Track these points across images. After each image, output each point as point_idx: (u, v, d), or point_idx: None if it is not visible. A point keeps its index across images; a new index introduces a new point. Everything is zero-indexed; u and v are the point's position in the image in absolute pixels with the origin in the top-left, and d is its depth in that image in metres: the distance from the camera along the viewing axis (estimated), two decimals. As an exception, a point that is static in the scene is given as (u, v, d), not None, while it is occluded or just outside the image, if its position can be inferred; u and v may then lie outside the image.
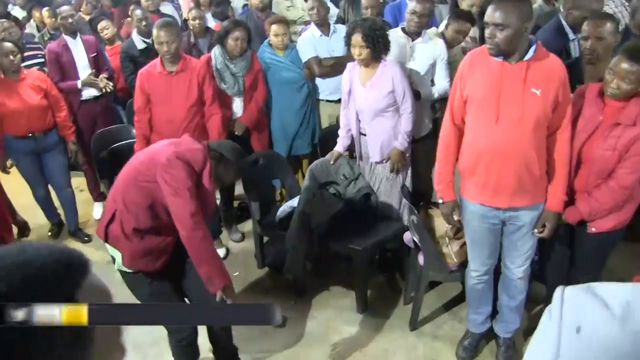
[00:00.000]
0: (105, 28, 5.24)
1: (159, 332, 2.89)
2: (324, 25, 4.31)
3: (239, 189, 4.25)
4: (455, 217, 2.79)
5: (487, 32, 2.36)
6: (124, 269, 2.53)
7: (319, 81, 4.34)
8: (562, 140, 2.50)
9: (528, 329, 3.14)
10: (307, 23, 5.92)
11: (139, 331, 2.96)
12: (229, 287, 2.42)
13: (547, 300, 2.87)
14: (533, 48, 2.38)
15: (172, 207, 2.34)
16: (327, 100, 4.34)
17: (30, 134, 4.16)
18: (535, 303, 3.29)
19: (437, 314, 3.41)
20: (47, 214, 4.64)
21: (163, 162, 2.35)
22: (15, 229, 3.26)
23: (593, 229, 2.68)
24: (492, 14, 2.32)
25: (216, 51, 3.95)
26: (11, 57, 4.01)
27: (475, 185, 2.60)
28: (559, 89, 2.39)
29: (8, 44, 4.06)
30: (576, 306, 0.86)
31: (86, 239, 4.55)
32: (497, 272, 2.93)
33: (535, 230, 2.62)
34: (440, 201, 2.77)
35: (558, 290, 0.89)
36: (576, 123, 2.57)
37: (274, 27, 4.13)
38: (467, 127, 2.58)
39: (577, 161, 2.61)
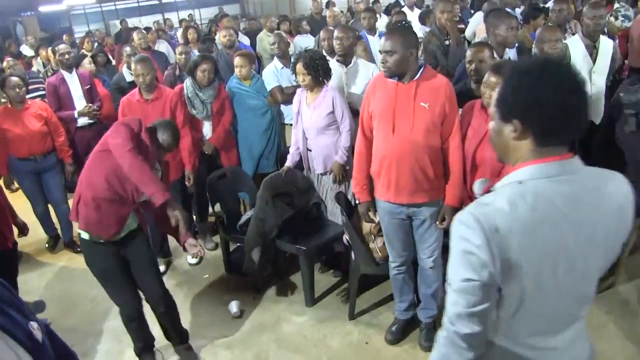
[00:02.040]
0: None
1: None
2: (285, 57, 4.89)
3: (216, 207, 4.80)
4: (372, 215, 3.28)
5: (380, 58, 2.90)
6: (83, 234, 3.08)
7: (284, 108, 4.90)
8: (453, 146, 2.99)
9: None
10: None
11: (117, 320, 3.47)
12: (170, 201, 2.94)
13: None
14: (421, 69, 2.91)
15: (114, 150, 2.87)
16: (291, 124, 4.87)
17: (31, 156, 4.79)
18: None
19: (374, 307, 3.86)
20: (46, 228, 5.20)
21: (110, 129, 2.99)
22: (15, 230, 3.85)
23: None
24: (384, 43, 2.86)
25: (187, 82, 4.54)
26: (17, 89, 4.67)
27: (382, 185, 3.09)
28: (445, 102, 2.90)
29: (15, 78, 4.71)
30: (485, 219, 1.33)
31: (78, 249, 5.08)
32: (417, 264, 3.38)
33: (437, 223, 3.09)
34: (357, 202, 3.27)
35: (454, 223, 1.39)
36: (468, 132, 3.07)
37: (236, 60, 4.71)
38: (374, 138, 3.09)
39: (473, 165, 3.09)
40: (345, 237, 3.73)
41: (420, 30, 6.29)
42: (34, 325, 1.41)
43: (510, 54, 4.59)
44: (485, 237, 1.32)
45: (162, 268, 4.52)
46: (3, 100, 4.95)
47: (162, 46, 7.83)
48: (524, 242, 1.33)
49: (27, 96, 4.94)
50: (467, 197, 3.12)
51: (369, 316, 3.78)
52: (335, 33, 4.20)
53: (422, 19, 6.70)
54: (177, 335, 3.48)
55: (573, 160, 1.42)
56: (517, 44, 4.80)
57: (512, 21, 3.93)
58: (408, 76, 2.90)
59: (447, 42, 4.72)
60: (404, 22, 5.39)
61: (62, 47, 5.42)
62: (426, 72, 2.92)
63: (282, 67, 4.83)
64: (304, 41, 7.18)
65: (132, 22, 14.48)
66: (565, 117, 1.35)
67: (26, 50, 8.98)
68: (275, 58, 4.98)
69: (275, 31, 5.82)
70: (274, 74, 4.81)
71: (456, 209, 3.07)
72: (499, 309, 1.43)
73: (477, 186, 1.71)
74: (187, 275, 4.56)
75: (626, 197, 1.46)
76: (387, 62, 2.85)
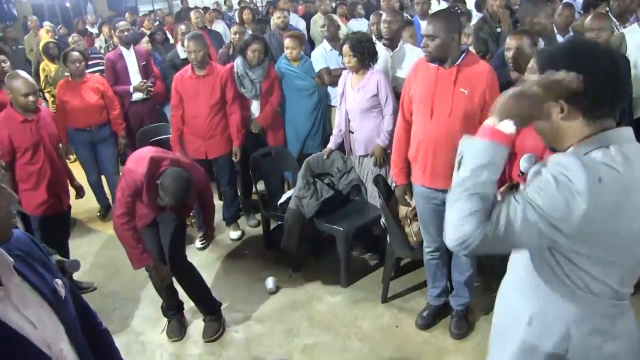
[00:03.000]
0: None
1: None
2: (334, 40, 4.90)
3: (261, 185, 4.91)
4: (408, 199, 3.29)
5: (422, 42, 2.88)
6: None
7: (330, 90, 4.93)
8: (492, 134, 2.95)
9: (478, 303, 3.55)
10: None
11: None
12: (156, 265, 3.29)
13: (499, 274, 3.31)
14: (463, 55, 2.87)
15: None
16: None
17: (87, 127, 5.03)
18: (486, 281, 3.71)
19: (407, 291, 3.87)
20: (98, 197, 5.44)
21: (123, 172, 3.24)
22: (72, 192, 4.08)
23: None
24: (425, 27, 2.85)
25: (238, 61, 4.63)
26: (77, 63, 4.90)
27: (418, 170, 3.09)
28: (485, 89, 2.86)
29: (75, 53, 4.94)
30: (591, 167, 1.31)
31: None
32: (452, 252, 3.37)
33: (472, 211, 3.07)
34: (394, 185, 3.28)
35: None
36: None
37: (286, 41, 4.77)
38: (413, 122, 3.09)
39: (512, 153, 3.04)
40: (382, 220, 3.75)
41: (476, 17, 6.17)
42: (58, 282, 1.51)
43: (565, 43, 4.47)
44: (589, 185, 1.30)
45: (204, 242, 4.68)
46: (66, 74, 5.20)
47: (219, 26, 7.96)
48: (620, 200, 1.34)
49: (87, 71, 5.17)
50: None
51: (401, 300, 3.80)
52: (383, 17, 4.20)
53: (478, 6, 6.58)
54: (203, 307, 3.62)
55: (625, 128, 1.45)
56: (572, 34, 4.67)
57: (549, 9, 3.84)
58: (449, 61, 2.88)
59: (498, 30, 4.62)
60: (456, 8, 5.31)
61: (121, 24, 5.63)
62: (468, 57, 2.89)
63: (331, 49, 4.86)
64: (358, 25, 7.16)
65: (194, 2, 14.73)
66: (607, 85, 1.39)
67: (90, 28, 9.35)
68: (324, 40, 5.01)
69: (326, 14, 5.81)
70: (323, 56, 4.85)
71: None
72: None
73: (526, 160, 1.74)
74: (228, 250, 4.68)
75: None
76: (429, 46, 2.84)
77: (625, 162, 1.35)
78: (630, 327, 1.56)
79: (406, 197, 3.29)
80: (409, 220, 3.54)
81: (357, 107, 3.93)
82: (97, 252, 4.86)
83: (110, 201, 5.47)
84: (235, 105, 4.52)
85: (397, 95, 3.96)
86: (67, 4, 21.12)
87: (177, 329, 3.62)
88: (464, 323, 3.42)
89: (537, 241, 1.39)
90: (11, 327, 1.30)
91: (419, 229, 3.45)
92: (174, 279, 3.50)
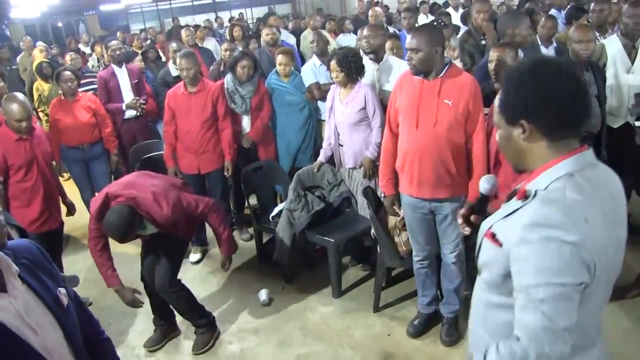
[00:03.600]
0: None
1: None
2: (323, 55, 5.00)
3: (253, 199, 4.97)
4: (396, 209, 3.36)
5: (407, 55, 2.97)
6: None
7: (320, 104, 5.02)
8: (477, 142, 3.04)
9: (468, 310, 3.59)
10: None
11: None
12: (118, 289, 3.36)
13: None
14: (447, 67, 2.96)
15: None
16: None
17: (80, 145, 5.09)
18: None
19: (399, 300, 3.92)
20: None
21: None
22: (64, 210, 4.14)
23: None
24: (409, 41, 2.94)
25: (228, 77, 4.72)
26: (69, 83, 4.99)
27: (405, 180, 3.17)
28: (469, 100, 2.95)
29: (68, 72, 5.03)
30: (573, 213, 1.29)
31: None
32: (441, 260, 3.44)
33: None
34: (382, 196, 3.35)
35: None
36: (493, 129, 3.10)
37: (279, 57, 4.86)
38: (399, 133, 3.17)
39: (497, 161, 3.12)
40: (373, 230, 3.81)
41: (462, 30, 6.30)
42: (61, 291, 1.57)
43: (549, 53, 4.59)
44: (580, 230, 1.28)
45: (198, 256, 4.73)
46: (59, 92, 5.28)
47: (210, 43, 8.08)
48: (604, 228, 1.33)
49: (80, 89, 5.25)
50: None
51: (392, 309, 3.85)
52: (364, 32, 4.29)
53: (464, 19, 6.70)
54: (191, 321, 3.68)
55: (591, 151, 1.44)
56: (555, 45, 4.78)
57: (528, 21, 4.04)
58: (433, 73, 2.96)
59: (483, 42, 4.73)
60: (440, 21, 5.43)
61: (113, 43, 5.73)
62: (451, 69, 2.98)
63: (321, 65, 4.95)
64: (347, 40, 7.28)
65: (185, 20, 14.93)
66: (569, 103, 1.37)
67: (84, 47, 9.44)
68: (314, 55, 5.11)
69: (315, 30, 5.93)
70: (312, 71, 4.94)
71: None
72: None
73: (486, 181, 1.67)
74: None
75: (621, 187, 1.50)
76: (413, 59, 2.92)
77: (591, 189, 1.36)
78: None
79: (394, 207, 3.37)
80: (398, 230, 3.61)
81: (345, 121, 4.01)
82: (91, 268, 4.84)
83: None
84: (227, 121, 4.60)
85: (384, 108, 4.05)
86: (59, 24, 21.26)
87: (155, 339, 3.71)
88: (454, 330, 3.48)
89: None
90: (14, 332, 1.37)
91: (408, 238, 3.52)
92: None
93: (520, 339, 1.30)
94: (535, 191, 1.39)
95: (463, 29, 6.40)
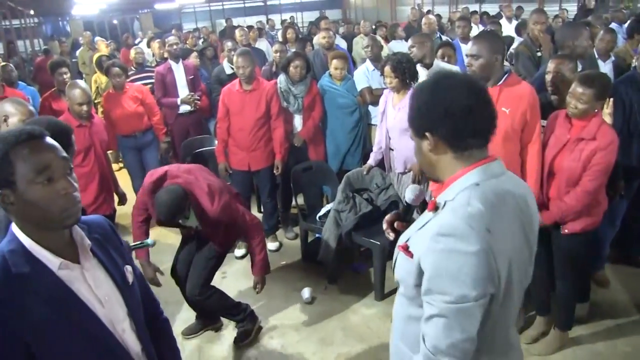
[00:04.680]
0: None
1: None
2: (377, 60, 5.03)
3: (299, 199, 5.04)
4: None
5: (467, 61, 2.98)
6: None
7: (371, 108, 5.06)
8: (532, 152, 3.03)
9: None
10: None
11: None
12: (143, 264, 3.45)
13: (529, 297, 3.32)
14: (506, 75, 2.96)
15: None
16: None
17: (132, 134, 5.34)
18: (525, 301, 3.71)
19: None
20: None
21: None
22: (116, 198, 4.33)
23: (566, 230, 3.11)
24: (470, 47, 2.95)
25: (281, 77, 4.81)
26: (117, 78, 5.27)
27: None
28: (526, 110, 2.94)
29: (116, 68, 5.31)
30: (475, 223, 1.31)
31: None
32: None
33: (509, 228, 3.12)
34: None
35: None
36: (549, 141, 3.08)
37: (334, 62, 4.90)
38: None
39: (551, 172, 3.10)
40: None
41: (516, 41, 6.24)
42: (128, 268, 1.65)
43: (606, 68, 4.51)
44: (481, 241, 1.30)
45: (242, 251, 4.80)
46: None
47: (262, 44, 8.21)
48: (507, 238, 1.36)
49: (139, 83, 5.46)
50: (542, 205, 3.13)
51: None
52: (410, 41, 4.31)
53: (519, 31, 6.64)
54: (227, 318, 3.79)
55: (498, 161, 1.47)
56: (614, 59, 4.70)
57: (588, 32, 3.96)
58: (492, 81, 2.96)
59: (539, 54, 4.68)
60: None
61: (171, 39, 5.90)
62: (510, 78, 2.98)
63: (374, 69, 4.98)
64: (399, 46, 7.28)
65: (237, 21, 15.15)
66: (466, 116, 1.39)
67: (140, 44, 9.76)
68: (367, 60, 5.15)
69: (370, 34, 5.97)
70: (365, 75, 4.98)
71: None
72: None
73: (412, 191, 1.72)
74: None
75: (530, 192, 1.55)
76: (472, 65, 2.93)
77: (496, 199, 1.38)
78: None
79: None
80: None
81: (397, 126, 4.03)
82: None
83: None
84: (280, 120, 4.68)
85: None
86: (115, 22, 21.91)
87: (192, 328, 3.84)
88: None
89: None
90: (84, 302, 1.44)
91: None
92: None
93: (422, 350, 1.38)
94: (445, 202, 1.43)
95: (517, 40, 6.35)
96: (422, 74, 4.19)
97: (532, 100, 2.97)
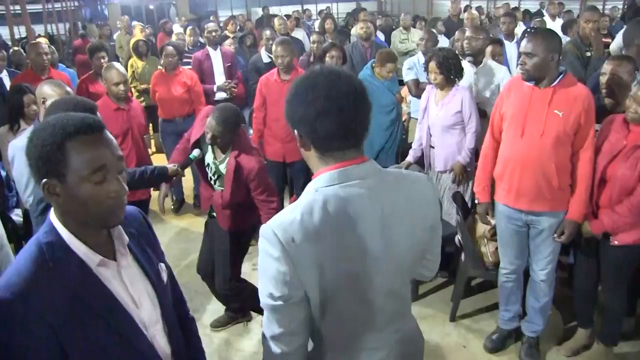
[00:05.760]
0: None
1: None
2: (429, 54, 4.90)
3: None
4: (489, 218, 3.24)
5: (519, 60, 2.85)
6: None
7: (414, 100, 4.93)
8: (584, 158, 2.88)
9: (552, 331, 3.45)
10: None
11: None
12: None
13: (575, 306, 3.19)
14: (561, 76, 2.82)
15: None
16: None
17: (173, 118, 5.34)
18: (565, 311, 3.61)
19: (477, 312, 3.80)
20: (176, 190, 5.61)
21: None
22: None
23: (615, 242, 2.96)
24: (524, 45, 2.81)
25: (317, 68, 4.71)
26: (170, 58, 5.25)
27: (503, 189, 3.05)
28: (581, 113, 2.79)
29: (169, 48, 5.27)
30: (281, 230, 1.33)
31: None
32: (528, 275, 3.29)
33: (555, 236, 2.99)
34: (476, 202, 3.24)
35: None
36: (603, 146, 2.93)
37: (389, 65, 4.71)
38: (501, 140, 3.05)
39: (603, 180, 2.95)
40: (458, 237, 3.71)
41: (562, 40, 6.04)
42: (162, 266, 1.57)
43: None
44: (283, 248, 1.32)
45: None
46: (159, 67, 5.53)
47: (300, 34, 8.12)
48: (320, 248, 1.34)
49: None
50: (591, 213, 3.00)
51: (470, 320, 3.74)
52: (466, 33, 4.17)
53: (565, 29, 6.41)
54: (259, 313, 3.65)
55: (365, 164, 1.43)
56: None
57: None
58: (546, 81, 2.82)
59: (588, 54, 4.50)
60: (532, 29, 5.22)
61: (210, 26, 5.85)
62: (566, 79, 2.83)
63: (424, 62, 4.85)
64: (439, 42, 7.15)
65: (272, 10, 15.07)
66: (321, 119, 1.35)
67: (176, 29, 9.75)
68: (419, 52, 5.02)
69: (427, 28, 5.78)
70: (415, 67, 4.86)
71: (578, 225, 2.96)
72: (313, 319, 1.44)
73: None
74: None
75: (427, 191, 1.56)
76: (526, 64, 2.79)
77: (325, 208, 1.35)
78: None
79: (487, 215, 3.25)
80: (486, 240, 3.49)
81: (439, 123, 3.91)
82: (168, 244, 5.01)
83: (185, 197, 5.69)
84: (316, 112, 4.59)
85: (480, 113, 3.94)
86: (151, 7, 22.06)
87: (221, 321, 3.79)
88: (535, 351, 3.33)
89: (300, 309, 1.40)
90: (120, 302, 1.38)
91: (496, 249, 3.40)
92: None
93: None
94: None
95: (563, 38, 6.13)
96: (470, 71, 4.06)
97: (587, 104, 2.81)
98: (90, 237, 1.35)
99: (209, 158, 3.34)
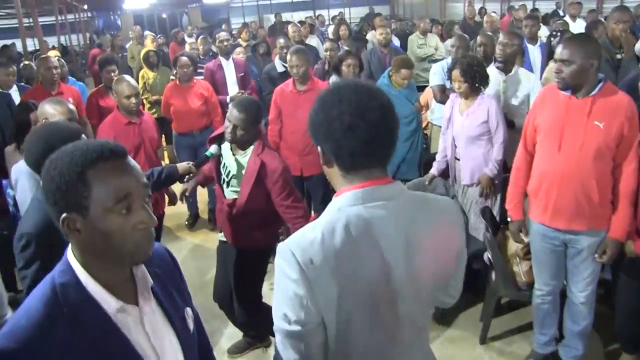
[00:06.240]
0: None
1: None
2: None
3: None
4: (522, 236, 3.03)
5: (555, 67, 2.64)
6: None
7: (439, 106, 4.74)
8: (627, 171, 2.66)
9: (593, 356, 3.22)
10: (435, 61, 6.36)
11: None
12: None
13: (616, 328, 2.97)
14: (600, 85, 2.60)
15: None
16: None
17: (190, 131, 5.17)
18: (605, 333, 3.36)
19: (509, 334, 3.58)
20: (190, 204, 5.46)
21: None
22: (166, 198, 4.18)
23: (664, 263, 2.76)
24: (560, 51, 2.60)
25: (333, 78, 4.53)
26: (185, 69, 5.06)
27: (538, 206, 2.83)
28: (623, 123, 2.57)
29: (184, 58, 5.10)
30: (300, 251, 1.25)
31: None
32: (565, 296, 3.08)
33: (596, 256, 2.78)
34: (509, 219, 3.03)
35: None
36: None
37: (403, 72, 4.55)
38: (536, 153, 2.84)
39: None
40: (487, 255, 3.49)
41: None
42: (188, 311, 1.41)
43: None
44: (301, 270, 1.25)
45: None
46: (171, 78, 5.35)
47: (314, 41, 7.96)
48: (340, 272, 1.26)
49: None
50: (635, 232, 2.78)
51: (502, 343, 3.52)
52: (500, 38, 3.95)
53: (590, 30, 6.15)
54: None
55: (391, 185, 1.35)
56: None
57: None
58: (584, 90, 2.61)
59: (618, 56, 4.27)
60: (557, 32, 5.01)
61: (222, 35, 5.70)
62: (605, 87, 2.62)
63: (454, 68, 4.67)
64: (456, 45, 6.95)
65: (284, 16, 14.96)
66: (354, 139, 1.28)
67: (188, 39, 9.67)
68: (450, 58, 4.83)
69: (458, 34, 5.56)
70: (442, 72, 4.66)
71: (621, 244, 2.75)
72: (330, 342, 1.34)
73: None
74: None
75: (454, 217, 1.47)
76: (562, 72, 2.59)
77: (347, 229, 1.27)
78: None
79: (521, 233, 3.03)
80: (518, 259, 3.28)
81: (465, 134, 3.71)
82: (183, 262, 4.83)
83: (200, 210, 5.54)
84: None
85: (508, 123, 3.73)
86: (164, 15, 22.10)
87: (239, 346, 3.60)
88: (573, 376, 3.11)
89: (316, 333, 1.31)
90: (139, 354, 1.22)
91: (530, 268, 3.19)
92: None
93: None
94: None
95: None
96: (498, 79, 3.86)
97: (629, 112, 2.60)
98: (110, 277, 1.20)
99: (226, 157, 3.11)
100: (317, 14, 16.75)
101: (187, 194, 3.34)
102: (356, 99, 1.30)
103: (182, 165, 2.97)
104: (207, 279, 4.42)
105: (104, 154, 1.15)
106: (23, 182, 2.62)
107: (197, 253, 5.02)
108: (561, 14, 10.26)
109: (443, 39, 8.01)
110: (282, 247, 1.29)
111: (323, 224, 1.29)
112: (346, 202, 1.32)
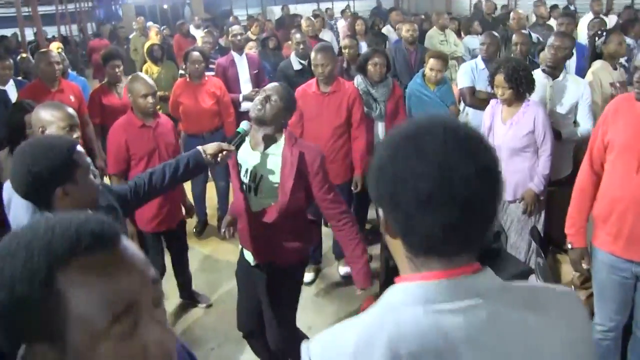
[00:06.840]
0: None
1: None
2: (491, 60, 4.35)
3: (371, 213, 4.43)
4: (584, 265, 2.69)
5: (635, 76, 2.30)
6: None
7: (471, 111, 4.44)
8: None
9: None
10: (457, 59, 6.02)
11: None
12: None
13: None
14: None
15: None
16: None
17: (200, 133, 4.76)
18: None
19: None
20: (198, 210, 5.09)
21: None
22: (183, 209, 3.89)
23: None
24: (639, 57, 2.26)
25: (358, 78, 4.18)
26: (196, 65, 4.68)
27: (607, 233, 2.50)
28: None
29: (195, 53, 4.71)
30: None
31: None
32: (628, 331, 2.76)
33: (672, 291, 2.45)
34: (569, 247, 2.69)
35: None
36: None
37: (431, 61, 4.26)
38: (605, 173, 2.50)
39: None
40: (533, 279, 3.15)
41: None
42: None
43: None
44: None
45: (311, 276, 4.21)
46: (181, 73, 5.06)
47: (327, 35, 7.59)
48: None
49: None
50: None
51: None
52: (551, 40, 3.59)
53: (625, 29, 5.81)
54: None
55: (480, 274, 0.91)
56: None
57: None
58: (670, 104, 2.28)
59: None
60: (601, 32, 4.68)
61: (235, 28, 5.34)
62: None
63: (484, 68, 4.34)
64: (475, 42, 6.59)
65: (290, 9, 14.59)
66: (430, 218, 0.86)
67: (193, 30, 9.30)
68: (479, 57, 4.50)
69: (489, 32, 5.22)
70: (472, 73, 4.35)
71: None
72: None
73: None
74: (337, 287, 4.19)
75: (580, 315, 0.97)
76: (644, 82, 2.25)
77: (417, 344, 0.84)
78: None
79: (583, 262, 2.70)
80: (574, 287, 2.95)
81: (508, 145, 3.37)
82: (198, 273, 4.45)
83: (209, 216, 5.20)
84: (361, 129, 4.01)
85: (554, 134, 3.41)
86: (165, 6, 21.70)
87: None
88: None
89: None
90: None
91: (587, 297, 2.86)
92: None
93: None
94: None
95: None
96: (544, 84, 3.51)
97: None
98: None
99: (247, 160, 2.67)
100: (323, 7, 16.33)
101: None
102: (444, 156, 0.86)
103: (210, 147, 2.46)
104: (219, 295, 4.10)
105: (80, 243, 0.72)
106: (17, 202, 2.23)
107: (206, 265, 4.67)
108: (572, 8, 9.85)
109: (460, 36, 7.65)
110: (304, 349, 0.96)
111: (361, 327, 0.91)
112: (407, 297, 0.90)
